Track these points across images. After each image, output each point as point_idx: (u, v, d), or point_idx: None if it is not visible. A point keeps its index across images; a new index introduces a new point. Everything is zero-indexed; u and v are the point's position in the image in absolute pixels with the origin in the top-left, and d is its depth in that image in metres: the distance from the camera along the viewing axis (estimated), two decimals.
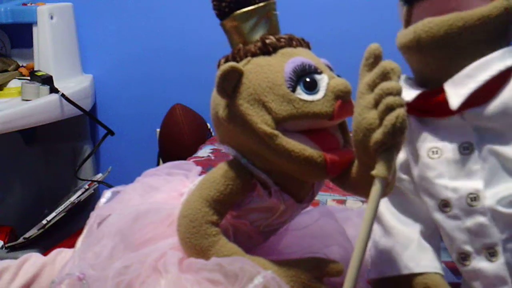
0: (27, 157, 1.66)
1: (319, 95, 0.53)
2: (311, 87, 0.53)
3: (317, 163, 0.53)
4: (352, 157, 0.56)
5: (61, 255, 0.72)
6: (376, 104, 0.48)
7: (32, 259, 0.71)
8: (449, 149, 0.56)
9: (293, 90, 0.53)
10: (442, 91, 0.55)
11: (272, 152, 0.53)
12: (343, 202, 1.00)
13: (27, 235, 1.29)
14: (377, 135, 0.47)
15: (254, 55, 0.55)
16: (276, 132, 0.52)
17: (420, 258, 0.62)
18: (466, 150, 0.56)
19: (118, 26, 1.72)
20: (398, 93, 0.47)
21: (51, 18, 1.56)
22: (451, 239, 0.58)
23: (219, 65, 0.57)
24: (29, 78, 1.50)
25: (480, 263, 0.56)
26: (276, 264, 0.56)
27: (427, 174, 0.58)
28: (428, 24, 0.53)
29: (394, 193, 0.66)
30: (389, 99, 0.47)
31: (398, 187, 0.66)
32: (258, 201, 0.58)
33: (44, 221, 1.32)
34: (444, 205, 0.57)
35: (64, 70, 1.60)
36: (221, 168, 0.57)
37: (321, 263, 0.56)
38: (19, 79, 1.51)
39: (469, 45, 0.54)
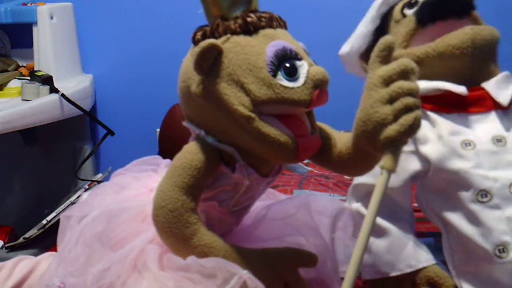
0: (27, 157, 1.66)
1: (299, 82, 0.53)
2: (292, 74, 0.53)
3: (289, 149, 0.53)
4: (319, 143, 0.57)
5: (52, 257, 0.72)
6: (391, 100, 0.48)
7: (26, 259, 0.71)
8: (483, 141, 0.60)
9: (274, 75, 0.52)
10: (480, 89, 0.62)
11: (246, 134, 0.53)
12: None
13: (27, 235, 1.29)
14: (390, 131, 0.48)
15: (234, 33, 0.54)
16: (253, 115, 0.52)
17: (419, 254, 0.63)
18: (499, 142, 0.60)
19: (118, 26, 1.72)
20: (417, 94, 0.49)
21: (51, 18, 1.55)
22: (488, 230, 0.58)
23: (194, 37, 0.56)
24: (29, 78, 1.49)
25: None
26: (253, 254, 0.56)
27: (461, 165, 0.60)
28: (478, 29, 0.61)
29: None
30: (409, 100, 0.48)
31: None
32: (222, 179, 0.57)
33: (44, 221, 1.31)
34: (483, 195, 0.58)
35: (64, 70, 1.60)
36: (189, 151, 0.56)
37: (297, 254, 0.57)
38: (19, 79, 1.51)
39: (494, 51, 0.64)
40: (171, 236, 0.55)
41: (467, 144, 0.60)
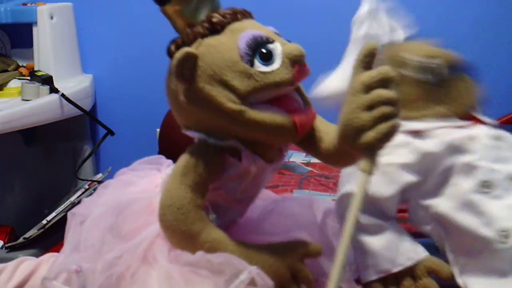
0: (27, 157, 1.66)
1: (277, 64, 0.54)
2: (267, 58, 0.54)
3: (288, 128, 0.55)
4: (314, 115, 0.59)
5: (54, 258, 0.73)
6: (370, 107, 0.50)
7: (28, 261, 0.72)
8: (484, 136, 0.65)
9: (251, 65, 0.54)
10: (472, 118, 0.67)
11: (243, 127, 0.55)
12: None
13: (27, 235, 1.29)
14: (368, 137, 0.50)
15: (203, 36, 0.56)
16: (243, 107, 0.54)
17: (417, 247, 0.65)
18: (497, 139, 0.65)
19: (118, 26, 1.72)
20: (395, 103, 0.50)
21: (51, 18, 1.55)
22: (491, 219, 0.60)
23: (169, 51, 0.58)
24: (29, 78, 1.50)
25: None
26: (261, 248, 0.57)
27: (466, 158, 0.63)
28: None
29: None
30: (386, 109, 0.49)
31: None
32: (230, 169, 0.59)
33: (44, 221, 1.31)
34: (485, 186, 0.62)
35: (64, 70, 1.60)
36: (193, 152, 0.58)
37: (302, 245, 0.59)
38: (19, 79, 1.51)
39: None
40: (179, 233, 0.56)
41: (471, 138, 0.64)
